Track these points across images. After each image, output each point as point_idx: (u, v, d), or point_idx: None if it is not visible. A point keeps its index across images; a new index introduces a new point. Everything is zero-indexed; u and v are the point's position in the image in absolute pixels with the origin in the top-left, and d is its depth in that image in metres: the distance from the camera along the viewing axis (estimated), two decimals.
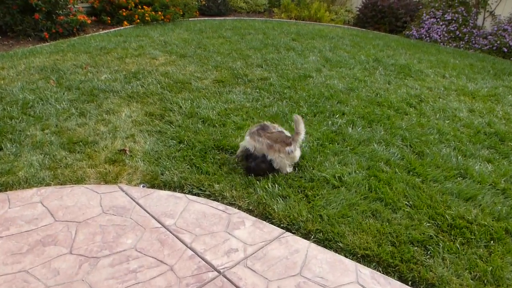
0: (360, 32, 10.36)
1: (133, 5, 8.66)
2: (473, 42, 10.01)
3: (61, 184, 3.09)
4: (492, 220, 3.09)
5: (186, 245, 2.55)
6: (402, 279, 2.54)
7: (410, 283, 2.51)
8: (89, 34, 7.77)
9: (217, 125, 4.18)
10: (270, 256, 2.53)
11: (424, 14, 10.72)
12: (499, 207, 3.22)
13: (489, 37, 9.88)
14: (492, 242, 2.88)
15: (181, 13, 9.27)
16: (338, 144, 3.97)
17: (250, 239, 2.66)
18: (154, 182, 3.22)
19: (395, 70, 6.74)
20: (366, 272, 2.51)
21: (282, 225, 2.86)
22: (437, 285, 2.48)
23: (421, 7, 11.13)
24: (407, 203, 3.19)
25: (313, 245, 2.68)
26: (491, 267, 2.64)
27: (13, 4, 6.97)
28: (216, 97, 4.93)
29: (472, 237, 2.91)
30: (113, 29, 8.24)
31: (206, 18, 10.32)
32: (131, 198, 2.96)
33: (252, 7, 12.09)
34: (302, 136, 3.28)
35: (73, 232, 2.56)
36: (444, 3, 10.66)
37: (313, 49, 7.60)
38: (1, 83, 4.87)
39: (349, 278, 2.43)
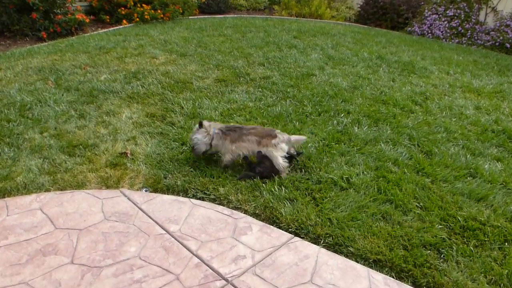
0: (362, 29, 10.25)
1: (132, 3, 8.54)
2: (476, 38, 9.91)
3: (61, 190, 2.99)
4: (505, 221, 3.00)
5: (192, 253, 2.46)
6: (416, 284, 2.45)
7: None
8: (88, 34, 7.65)
9: None
10: (279, 262, 2.44)
11: (426, 10, 10.60)
12: None
13: (492, 33, 9.77)
14: (506, 244, 2.80)
15: (181, 11, 9.15)
16: (344, 144, 3.87)
17: (258, 245, 2.57)
18: (157, 186, 3.12)
19: (399, 68, 6.64)
20: (379, 278, 2.43)
21: (290, 229, 2.76)
22: None
23: (422, 3, 11.01)
24: (418, 204, 3.10)
25: (323, 250, 2.59)
26: (506, 270, 2.55)
27: (10, 3, 6.85)
28: (218, 97, 4.83)
29: (486, 239, 2.83)
30: (112, 28, 8.13)
31: (206, 16, 10.20)
32: (134, 203, 2.87)
33: (252, 5, 11.96)
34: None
35: (74, 240, 2.47)
36: None
37: (315, 47, 7.49)
38: None
39: (362, 285, 2.35)
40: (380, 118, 4.53)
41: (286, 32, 8.56)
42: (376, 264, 2.56)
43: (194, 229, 2.66)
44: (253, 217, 2.86)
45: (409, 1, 10.94)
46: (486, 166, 3.72)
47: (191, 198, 3.02)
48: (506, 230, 2.90)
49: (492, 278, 2.51)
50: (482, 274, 2.53)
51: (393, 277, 2.47)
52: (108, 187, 3.06)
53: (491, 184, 3.46)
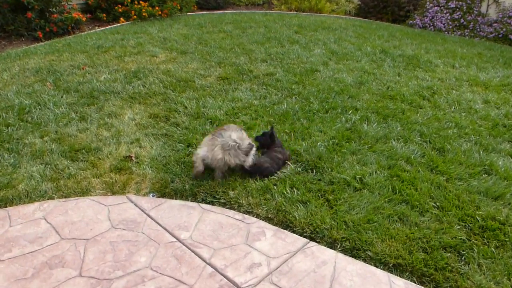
0: (363, 22, 10.10)
1: (129, 0, 8.36)
2: (478, 30, 9.79)
3: (65, 197, 2.87)
4: None
5: (205, 261, 2.35)
6: None
7: None
8: (85, 32, 7.49)
9: None
10: (296, 270, 2.34)
11: (428, 3, 10.46)
12: None
13: (494, 24, 9.65)
14: None
15: (179, 7, 8.98)
16: (354, 142, 3.76)
17: (272, 251, 2.47)
18: (164, 191, 3.01)
19: (403, 61, 6.52)
20: (400, 283, 2.33)
21: (305, 234, 2.66)
22: None
23: None
24: (434, 204, 3.01)
25: (341, 255, 2.49)
26: None
27: (4, 3, 6.68)
28: (222, 95, 4.71)
29: (506, 239, 2.74)
30: (109, 26, 7.97)
31: (204, 12, 10.03)
32: (141, 210, 2.76)
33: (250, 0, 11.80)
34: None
35: (81, 251, 2.36)
36: None
37: (317, 42, 7.36)
38: None
39: None
40: (389, 114, 4.42)
41: (287, 27, 8.42)
42: (396, 268, 2.46)
43: (206, 236, 2.55)
44: (266, 221, 2.76)
45: None
46: (500, 162, 3.63)
47: (200, 202, 2.91)
48: None
49: None
50: (506, 277, 2.44)
51: (415, 282, 2.38)
52: (113, 193, 2.95)
53: (507, 181, 3.36)
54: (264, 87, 5.04)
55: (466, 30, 9.84)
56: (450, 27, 9.98)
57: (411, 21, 10.43)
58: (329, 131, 3.93)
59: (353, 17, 11.12)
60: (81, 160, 3.30)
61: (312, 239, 2.63)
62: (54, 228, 2.54)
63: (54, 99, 4.29)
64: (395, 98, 4.93)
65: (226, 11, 10.41)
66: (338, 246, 2.58)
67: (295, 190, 3.02)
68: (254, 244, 2.51)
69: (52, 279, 2.15)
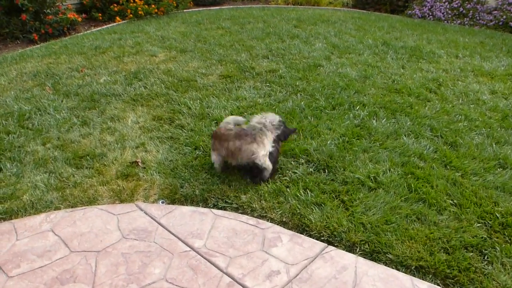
0: (362, 14, 9.98)
1: None
2: (478, 18, 9.68)
3: (72, 207, 2.78)
4: None
5: (222, 271, 2.27)
6: None
7: None
8: (81, 33, 7.34)
9: None
10: (317, 276, 2.26)
11: None
12: None
13: (494, 12, 9.55)
14: None
15: (175, 4, 8.82)
16: (365, 139, 3.68)
17: (290, 257, 2.39)
18: (174, 197, 2.92)
19: (406, 53, 6.42)
20: (423, 287, 2.26)
21: (322, 238, 2.58)
22: None
23: None
24: (452, 202, 2.93)
25: (361, 259, 2.41)
26: None
27: None
28: (226, 95, 4.60)
29: None
30: (105, 26, 7.81)
31: (201, 9, 9.87)
32: (152, 218, 2.67)
33: None
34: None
35: (93, 265, 2.27)
36: None
37: (317, 36, 7.24)
38: None
39: None
40: (397, 108, 4.34)
41: (286, 22, 8.29)
42: (419, 271, 2.39)
43: (220, 244, 2.47)
44: (281, 225, 2.68)
45: None
46: None
47: (212, 208, 2.82)
48: None
49: None
50: None
51: (439, 285, 2.31)
52: (122, 201, 2.86)
53: None
54: (268, 84, 4.93)
55: (465, 18, 9.73)
56: (449, 16, 9.87)
57: (409, 11, 10.31)
58: (338, 128, 3.84)
59: (351, 9, 10.98)
60: (86, 167, 3.20)
61: (330, 243, 2.55)
62: (63, 240, 2.45)
63: (54, 104, 4.18)
64: (402, 91, 4.84)
65: (222, 7, 10.25)
66: (357, 249, 2.51)
67: (308, 192, 2.94)
68: (271, 251, 2.43)
69: None
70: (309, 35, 7.26)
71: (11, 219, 2.65)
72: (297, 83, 4.96)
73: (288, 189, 2.97)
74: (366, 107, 4.36)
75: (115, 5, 8.22)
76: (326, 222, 2.67)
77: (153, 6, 8.34)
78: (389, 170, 3.23)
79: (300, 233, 2.61)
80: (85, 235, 2.50)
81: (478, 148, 3.64)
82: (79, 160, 3.27)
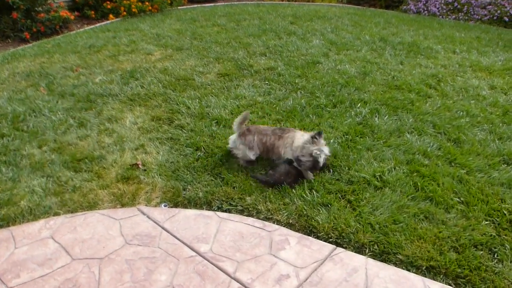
0: (357, 10, 9.93)
1: None
2: (472, 13, 9.69)
3: (72, 212, 2.69)
4: None
5: (230, 276, 2.21)
6: None
7: None
8: (74, 31, 7.19)
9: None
10: (327, 279, 2.21)
11: None
12: None
13: (488, 7, 9.56)
14: None
15: (169, 1, 8.69)
16: (368, 137, 3.63)
17: (299, 260, 2.33)
18: (176, 200, 2.84)
19: (404, 49, 6.38)
20: (436, 287, 2.22)
21: (330, 239, 2.53)
22: None
23: None
24: (459, 199, 2.90)
25: (371, 261, 2.37)
26: None
27: None
28: (225, 93, 4.52)
29: None
30: (98, 24, 7.66)
31: (195, 6, 9.74)
32: (155, 222, 2.59)
33: None
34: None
35: (96, 272, 2.19)
36: None
37: (314, 32, 7.17)
38: None
39: None
40: (398, 105, 4.30)
41: (282, 18, 8.21)
42: (430, 271, 2.35)
43: (227, 248, 2.41)
44: (288, 227, 2.62)
45: None
46: None
47: (216, 211, 2.75)
48: None
49: None
50: None
51: (450, 285, 2.27)
52: (123, 205, 2.78)
53: None
54: (267, 82, 4.86)
55: (460, 13, 9.74)
56: (444, 11, 9.86)
57: (404, 7, 10.30)
58: (340, 126, 3.79)
59: (346, 5, 10.93)
60: (85, 171, 3.11)
61: (338, 244, 2.50)
62: (64, 247, 2.37)
63: (49, 105, 4.07)
64: (402, 88, 4.81)
65: (217, 4, 10.13)
66: (367, 250, 2.46)
67: (314, 192, 2.88)
68: (279, 254, 2.37)
69: None
70: (306, 32, 7.19)
71: (9, 226, 2.56)
72: (297, 81, 4.90)
73: (293, 190, 2.91)
74: (367, 104, 4.31)
75: (108, 2, 8.07)
76: (333, 223, 2.62)
77: (147, 3, 8.21)
78: (394, 168, 3.19)
79: (308, 235, 2.56)
80: (86, 241, 2.42)
81: (481, 145, 3.61)
82: (77, 163, 3.18)
